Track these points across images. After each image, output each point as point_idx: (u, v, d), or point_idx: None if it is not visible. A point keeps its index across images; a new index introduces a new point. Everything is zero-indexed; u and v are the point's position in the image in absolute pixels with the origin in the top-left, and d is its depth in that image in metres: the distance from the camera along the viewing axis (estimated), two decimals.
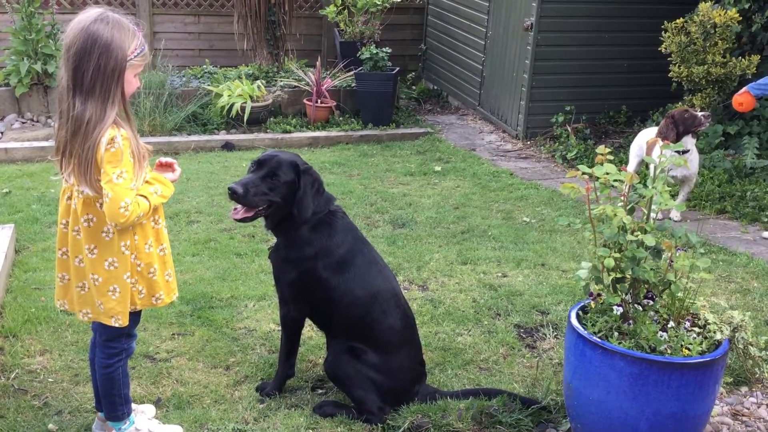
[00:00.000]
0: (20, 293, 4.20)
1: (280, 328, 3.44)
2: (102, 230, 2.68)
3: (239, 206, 3.14)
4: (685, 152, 5.37)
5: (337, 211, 3.32)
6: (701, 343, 2.82)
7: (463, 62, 8.90)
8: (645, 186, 2.93)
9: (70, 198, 2.72)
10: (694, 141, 5.58)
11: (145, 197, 2.66)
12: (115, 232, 2.68)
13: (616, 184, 2.91)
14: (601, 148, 2.98)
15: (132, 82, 2.67)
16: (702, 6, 6.41)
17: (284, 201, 3.16)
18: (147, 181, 2.74)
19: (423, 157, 7.22)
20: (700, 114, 5.45)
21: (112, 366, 2.87)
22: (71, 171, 2.62)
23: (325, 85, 8.00)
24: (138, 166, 2.64)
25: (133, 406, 3.10)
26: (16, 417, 3.17)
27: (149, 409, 3.20)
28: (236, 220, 3.17)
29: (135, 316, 2.86)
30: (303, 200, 3.16)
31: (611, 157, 2.99)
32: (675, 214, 5.73)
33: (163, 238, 2.85)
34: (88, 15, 2.57)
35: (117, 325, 2.76)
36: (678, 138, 5.42)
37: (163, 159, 2.92)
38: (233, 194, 3.08)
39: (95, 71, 2.52)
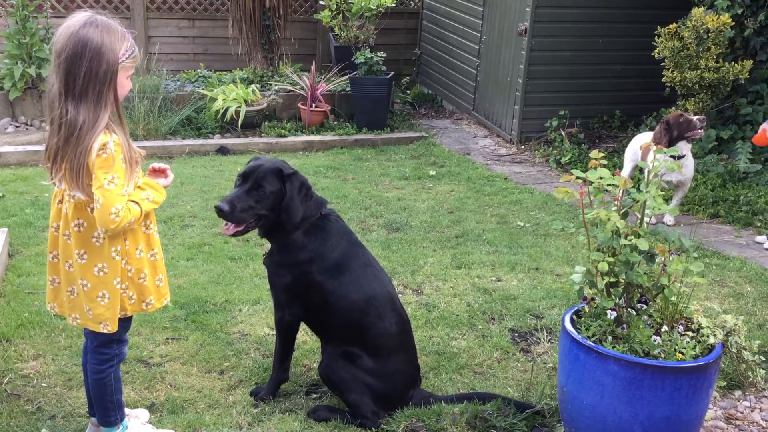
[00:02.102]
0: (13, 297, 4.18)
1: (274, 332, 3.43)
2: (92, 235, 2.67)
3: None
4: (680, 157, 5.38)
5: (331, 215, 3.31)
6: (695, 347, 2.83)
7: (458, 67, 8.92)
8: (639, 190, 2.93)
9: (61, 202, 2.71)
10: (689, 146, 5.59)
11: (137, 203, 2.65)
12: (105, 237, 2.67)
13: (609, 188, 2.92)
14: (595, 153, 2.99)
15: (124, 85, 2.66)
16: (695, 11, 6.44)
17: (272, 211, 3.17)
18: (139, 187, 2.72)
19: (417, 162, 7.23)
20: (695, 118, 5.47)
21: (104, 372, 2.86)
22: (62, 176, 2.60)
23: (319, 90, 8.00)
24: (130, 172, 2.63)
25: (127, 410, 3.08)
26: (9, 422, 3.15)
27: (143, 414, 3.19)
28: (228, 235, 3.19)
29: (125, 321, 2.85)
30: (290, 205, 3.16)
31: (605, 162, 2.99)
32: (668, 219, 5.74)
33: (154, 243, 2.84)
34: (77, 20, 2.55)
35: (106, 331, 2.74)
36: (671, 143, 5.42)
37: (156, 164, 2.91)
38: (220, 212, 3.09)
39: (87, 76, 2.51)
